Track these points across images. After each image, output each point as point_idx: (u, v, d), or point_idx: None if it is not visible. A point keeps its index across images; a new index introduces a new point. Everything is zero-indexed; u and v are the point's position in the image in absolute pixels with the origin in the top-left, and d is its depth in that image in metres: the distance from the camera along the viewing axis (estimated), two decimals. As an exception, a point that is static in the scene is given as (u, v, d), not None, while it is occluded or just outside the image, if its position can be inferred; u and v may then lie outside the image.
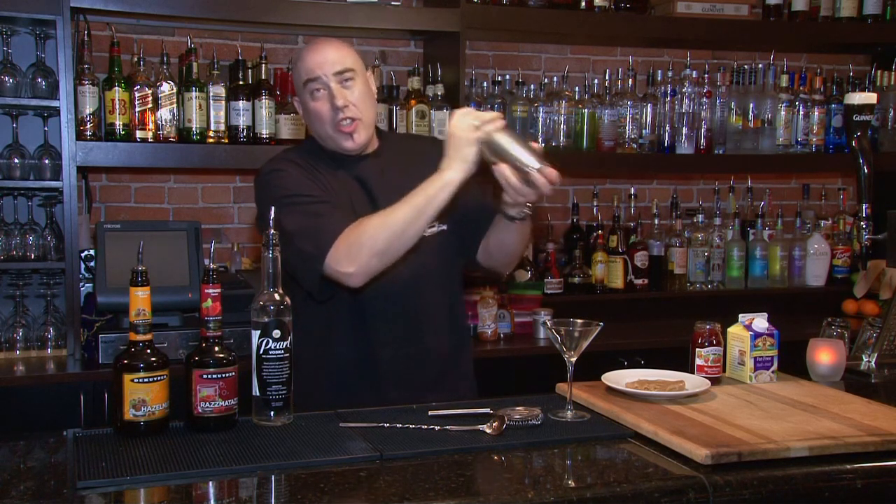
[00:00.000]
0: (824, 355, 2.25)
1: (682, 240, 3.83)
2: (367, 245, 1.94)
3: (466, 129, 1.92)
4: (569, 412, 1.88)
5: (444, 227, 2.20)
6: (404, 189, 2.07)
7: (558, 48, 3.97)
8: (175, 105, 3.11)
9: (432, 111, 3.39)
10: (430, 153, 2.28)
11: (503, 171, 1.91)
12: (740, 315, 2.17)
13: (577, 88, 3.76)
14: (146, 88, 3.06)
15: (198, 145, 3.13)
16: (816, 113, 3.89)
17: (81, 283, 3.08)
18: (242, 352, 1.87)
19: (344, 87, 2.11)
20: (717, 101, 3.79)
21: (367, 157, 2.22)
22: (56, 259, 3.05)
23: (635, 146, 3.69)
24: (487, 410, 1.85)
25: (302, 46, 3.62)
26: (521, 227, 2.14)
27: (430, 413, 1.88)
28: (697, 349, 2.12)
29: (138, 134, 3.06)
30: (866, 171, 2.41)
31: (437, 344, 2.20)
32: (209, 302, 1.76)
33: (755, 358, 2.12)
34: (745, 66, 3.87)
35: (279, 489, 1.52)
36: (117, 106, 3.04)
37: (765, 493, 1.56)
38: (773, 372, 2.14)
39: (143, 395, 1.71)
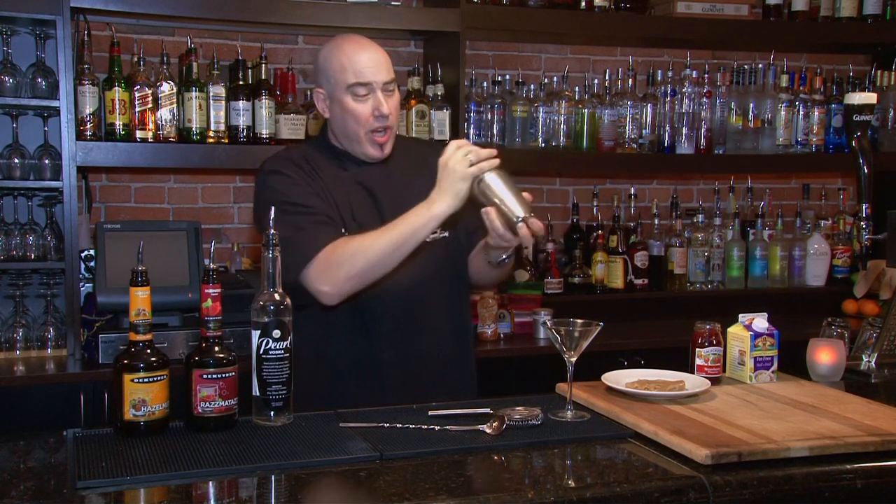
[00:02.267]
0: (824, 355, 2.25)
1: (682, 240, 3.83)
2: (344, 267, 1.96)
3: (462, 163, 1.91)
4: (569, 412, 1.88)
5: (447, 234, 2.20)
6: (408, 194, 2.08)
7: (558, 48, 3.97)
8: (175, 105, 3.11)
9: (432, 111, 3.39)
10: (434, 160, 2.29)
11: (490, 213, 1.92)
12: (740, 315, 2.17)
13: (577, 88, 3.75)
14: (146, 88, 3.06)
15: (198, 145, 3.13)
16: (816, 113, 3.88)
17: (81, 283, 3.08)
18: (242, 352, 1.87)
19: (388, 96, 2.12)
20: (717, 101, 3.79)
21: (372, 162, 2.20)
22: (56, 259, 3.05)
23: (635, 146, 3.69)
24: (487, 410, 1.86)
25: (302, 46, 3.63)
26: (500, 267, 2.16)
27: (430, 413, 1.88)
28: (697, 349, 2.12)
29: (138, 134, 3.06)
30: (866, 171, 2.42)
31: (438, 347, 2.20)
32: (209, 302, 1.76)
33: (755, 358, 2.12)
34: (745, 66, 3.87)
35: (279, 489, 1.52)
36: (117, 106, 3.04)
37: (765, 493, 1.56)
38: (773, 372, 2.14)
39: (143, 395, 1.71)
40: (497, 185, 1.91)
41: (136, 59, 3.12)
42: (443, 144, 2.34)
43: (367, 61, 2.10)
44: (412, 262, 2.06)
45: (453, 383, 2.22)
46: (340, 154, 2.21)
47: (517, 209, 1.89)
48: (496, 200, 1.91)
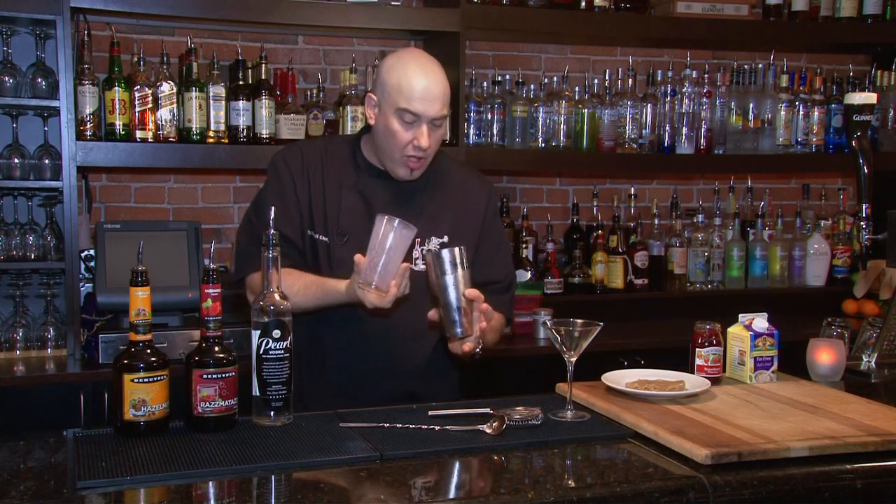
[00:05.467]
0: (824, 355, 2.25)
1: (682, 240, 3.83)
2: None
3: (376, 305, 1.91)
4: (569, 412, 1.88)
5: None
6: (410, 215, 2.07)
7: (558, 48, 3.97)
8: (175, 105, 3.11)
9: (432, 111, 3.39)
10: (467, 190, 2.26)
11: (432, 314, 1.97)
12: (740, 315, 2.17)
13: (577, 88, 3.75)
14: (146, 88, 3.06)
15: (198, 145, 3.13)
16: (816, 113, 3.88)
17: (81, 283, 3.08)
18: (242, 352, 1.87)
19: (433, 130, 2.08)
20: (717, 101, 3.79)
21: (387, 175, 2.17)
22: (56, 259, 3.05)
23: (635, 146, 3.69)
24: (487, 410, 1.86)
25: (302, 46, 3.63)
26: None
27: (430, 413, 1.88)
28: (697, 349, 2.12)
29: (138, 134, 3.06)
30: (866, 171, 2.42)
31: (392, 353, 2.15)
32: (209, 302, 1.76)
33: (755, 358, 2.12)
34: (745, 66, 3.87)
35: (279, 489, 1.52)
36: (117, 106, 3.04)
37: (765, 493, 1.56)
38: (773, 372, 2.14)
39: (143, 395, 1.71)
40: (448, 292, 1.89)
41: (136, 59, 3.12)
42: (479, 177, 2.33)
43: (423, 92, 2.04)
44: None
45: (405, 389, 2.16)
46: (360, 158, 2.20)
47: (449, 327, 1.92)
48: (441, 308, 1.92)
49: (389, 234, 1.85)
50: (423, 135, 2.05)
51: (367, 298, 1.89)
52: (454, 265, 1.88)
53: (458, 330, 1.91)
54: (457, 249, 1.90)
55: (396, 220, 1.85)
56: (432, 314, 1.98)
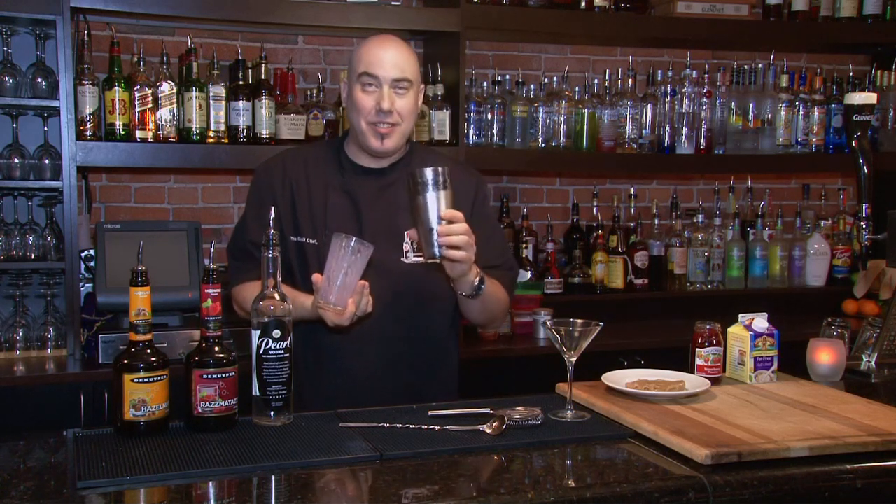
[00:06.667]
0: (824, 355, 2.25)
1: (682, 240, 3.83)
2: (243, 310, 2.15)
3: (335, 322, 1.93)
4: (569, 412, 1.88)
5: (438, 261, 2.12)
6: (397, 212, 2.08)
7: (558, 48, 3.97)
8: (175, 105, 3.11)
9: (432, 111, 3.39)
10: (453, 181, 2.23)
11: (410, 234, 2.02)
12: (740, 315, 2.17)
13: (577, 88, 3.75)
14: (146, 88, 3.06)
15: (198, 145, 3.13)
16: (816, 113, 3.89)
17: (81, 283, 3.08)
18: (242, 352, 1.87)
19: (396, 93, 2.09)
20: (717, 101, 3.79)
21: (373, 172, 2.19)
22: (56, 259, 3.05)
23: (635, 146, 3.69)
24: (487, 410, 1.86)
25: (302, 46, 3.63)
26: (475, 301, 2.10)
27: (430, 413, 1.88)
28: (697, 349, 2.12)
29: (138, 134, 3.06)
30: (866, 171, 2.42)
31: (368, 358, 2.15)
32: (209, 302, 1.76)
33: (755, 358, 2.12)
34: (745, 66, 3.87)
35: (279, 489, 1.52)
36: (117, 106, 3.04)
37: (765, 493, 1.56)
38: (773, 372, 2.14)
39: (143, 395, 1.71)
40: (426, 211, 1.86)
41: (136, 59, 3.12)
42: (472, 172, 2.32)
43: (381, 55, 2.09)
44: (392, 282, 2.09)
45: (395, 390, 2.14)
46: (344, 158, 2.21)
47: (426, 248, 1.89)
48: (418, 227, 1.90)
49: (346, 253, 1.84)
50: (384, 97, 2.07)
51: (327, 316, 1.91)
52: (435, 183, 1.84)
53: (436, 250, 1.87)
54: (439, 168, 1.86)
55: (353, 239, 1.84)
56: (411, 233, 1.96)
